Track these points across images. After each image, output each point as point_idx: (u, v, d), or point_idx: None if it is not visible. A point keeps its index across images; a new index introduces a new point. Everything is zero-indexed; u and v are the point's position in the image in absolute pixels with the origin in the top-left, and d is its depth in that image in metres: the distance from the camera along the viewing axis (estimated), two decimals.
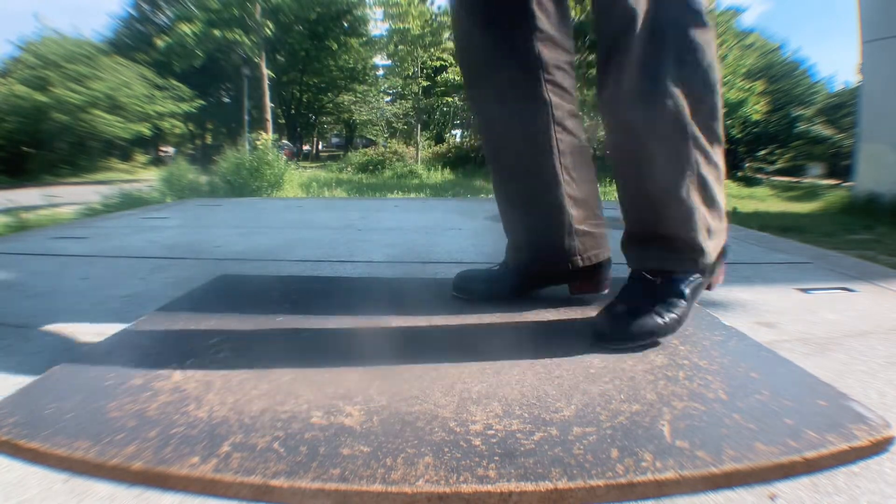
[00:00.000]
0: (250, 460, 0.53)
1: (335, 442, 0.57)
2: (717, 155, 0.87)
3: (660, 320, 0.83)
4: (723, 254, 0.95)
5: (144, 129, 17.88)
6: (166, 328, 0.91)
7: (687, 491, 0.52)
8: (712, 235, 0.88)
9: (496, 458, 0.54)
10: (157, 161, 18.28)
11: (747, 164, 20.83)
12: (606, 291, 1.09)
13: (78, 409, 0.63)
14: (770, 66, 21.14)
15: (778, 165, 21.31)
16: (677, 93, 0.81)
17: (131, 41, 20.68)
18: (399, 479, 0.51)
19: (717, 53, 0.85)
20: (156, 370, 0.74)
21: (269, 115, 15.63)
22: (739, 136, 17.44)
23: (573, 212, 1.02)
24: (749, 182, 15.64)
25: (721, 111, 0.87)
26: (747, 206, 7.22)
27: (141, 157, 19.60)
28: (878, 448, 0.58)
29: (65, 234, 2.13)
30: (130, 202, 4.72)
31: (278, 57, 21.93)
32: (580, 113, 1.02)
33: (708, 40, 0.83)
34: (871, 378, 0.78)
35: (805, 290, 1.29)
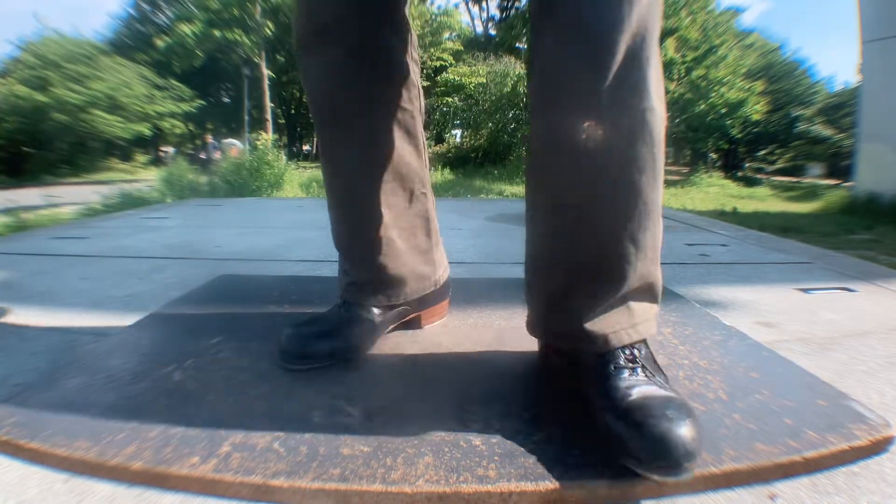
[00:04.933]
0: (250, 460, 0.53)
1: (335, 442, 0.57)
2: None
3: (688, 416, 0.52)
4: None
5: (144, 129, 17.88)
6: (166, 328, 0.91)
7: (687, 491, 0.52)
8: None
9: (496, 458, 0.54)
10: (157, 161, 18.27)
11: (747, 164, 20.85)
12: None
13: (78, 409, 0.63)
14: (770, 66, 21.16)
15: (778, 165, 21.35)
16: (660, 107, 0.59)
17: (131, 41, 20.65)
18: (399, 479, 0.51)
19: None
20: (156, 370, 0.73)
21: (269, 115, 15.64)
22: (739, 136, 17.45)
23: (434, 216, 0.85)
24: (749, 182, 15.64)
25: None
26: (747, 206, 7.22)
27: (141, 157, 19.59)
28: (878, 448, 0.58)
29: (65, 234, 2.13)
30: (130, 202, 4.72)
31: (278, 57, 21.92)
32: None
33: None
34: (871, 378, 0.79)
35: (805, 290, 1.29)
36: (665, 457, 0.49)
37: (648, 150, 0.58)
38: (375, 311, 0.81)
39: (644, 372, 0.59)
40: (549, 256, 0.67)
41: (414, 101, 0.80)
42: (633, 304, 0.62)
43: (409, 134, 0.80)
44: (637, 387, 0.57)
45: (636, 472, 0.50)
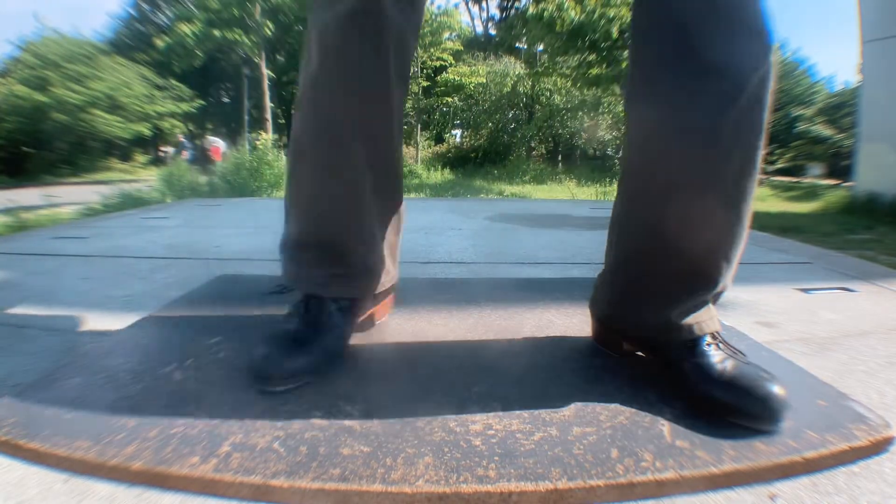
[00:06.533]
0: (250, 460, 0.53)
1: (335, 442, 0.57)
2: None
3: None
4: None
5: (144, 129, 17.86)
6: (166, 328, 0.91)
7: (687, 491, 0.52)
8: None
9: (496, 458, 0.54)
10: (157, 161, 18.26)
11: None
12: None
13: (78, 409, 0.63)
14: None
15: (778, 165, 21.33)
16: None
17: (131, 41, 20.64)
18: (399, 479, 0.51)
19: None
20: (156, 370, 0.73)
21: (269, 115, 15.62)
22: None
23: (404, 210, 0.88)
24: None
25: None
26: None
27: (141, 157, 19.57)
28: (878, 448, 0.58)
29: (65, 234, 2.13)
30: (130, 202, 4.72)
31: (278, 57, 21.91)
32: None
33: None
34: (871, 378, 0.79)
35: (805, 290, 1.29)
36: (771, 411, 0.61)
37: (752, 182, 0.66)
38: (344, 306, 0.78)
39: (727, 349, 0.69)
40: (647, 263, 0.72)
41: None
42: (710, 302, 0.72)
43: (400, 122, 0.81)
44: (727, 361, 0.67)
45: (745, 426, 0.60)
